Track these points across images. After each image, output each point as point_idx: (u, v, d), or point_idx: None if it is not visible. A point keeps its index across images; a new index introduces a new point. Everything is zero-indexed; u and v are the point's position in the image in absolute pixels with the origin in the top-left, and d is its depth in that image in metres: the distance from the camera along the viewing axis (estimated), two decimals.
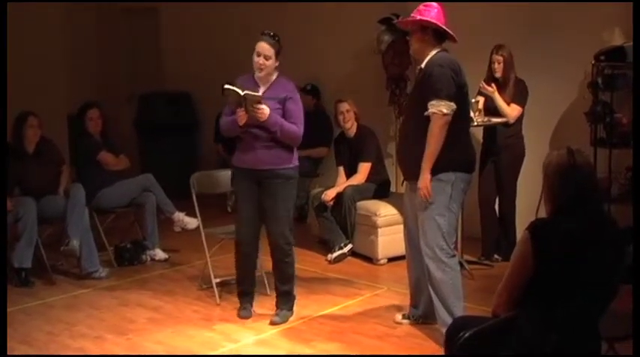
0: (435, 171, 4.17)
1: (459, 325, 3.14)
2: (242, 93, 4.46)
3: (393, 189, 6.57)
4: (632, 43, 5.48)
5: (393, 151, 6.96)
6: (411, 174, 4.36)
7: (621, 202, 5.63)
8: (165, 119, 8.79)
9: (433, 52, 4.23)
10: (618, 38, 5.53)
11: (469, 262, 5.75)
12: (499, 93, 5.79)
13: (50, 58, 7.05)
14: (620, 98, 5.67)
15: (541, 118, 6.08)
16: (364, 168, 6.36)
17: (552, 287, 2.86)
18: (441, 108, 4.08)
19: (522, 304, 2.92)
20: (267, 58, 4.59)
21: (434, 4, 4.24)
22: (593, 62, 5.63)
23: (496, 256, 5.97)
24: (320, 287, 5.46)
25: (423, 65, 4.26)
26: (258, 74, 4.65)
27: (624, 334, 3.21)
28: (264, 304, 5.06)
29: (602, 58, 5.58)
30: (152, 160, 8.45)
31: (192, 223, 5.93)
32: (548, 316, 2.85)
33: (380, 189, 6.40)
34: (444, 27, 4.20)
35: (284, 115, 4.60)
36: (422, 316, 4.61)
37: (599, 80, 5.60)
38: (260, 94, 4.53)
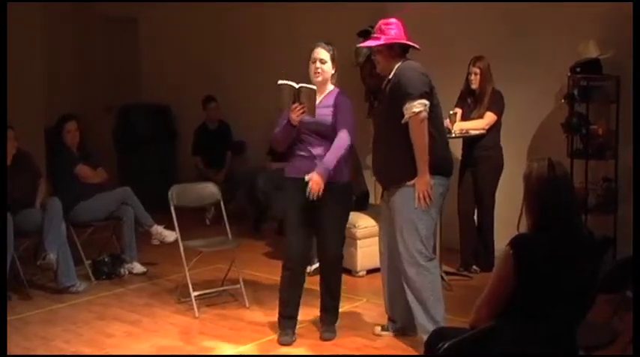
0: (413, 175, 4.20)
1: (439, 335, 3.14)
2: (297, 86, 4.28)
3: (372, 201, 6.57)
4: (607, 55, 5.57)
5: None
6: (388, 182, 4.41)
7: (598, 213, 5.70)
8: (143, 131, 8.74)
9: (399, 63, 4.32)
10: (593, 51, 5.60)
11: (448, 273, 5.75)
12: (475, 105, 5.84)
13: (27, 69, 6.97)
14: (596, 110, 5.74)
15: (518, 130, 6.12)
16: None
17: (533, 299, 2.87)
18: (413, 109, 4.14)
19: (502, 315, 2.92)
20: (322, 61, 4.41)
21: (392, 20, 4.37)
22: (569, 74, 5.69)
23: (475, 267, 5.98)
24: None
25: (390, 76, 4.34)
26: (315, 80, 4.42)
27: (603, 343, 3.23)
28: (243, 317, 5.04)
29: (578, 70, 5.65)
30: (130, 173, 8.39)
31: (170, 236, 5.90)
32: (528, 325, 2.86)
33: (359, 201, 6.38)
34: (410, 42, 4.32)
35: (335, 117, 4.44)
36: (401, 328, 4.61)
37: (575, 92, 5.67)
38: (315, 87, 4.31)
